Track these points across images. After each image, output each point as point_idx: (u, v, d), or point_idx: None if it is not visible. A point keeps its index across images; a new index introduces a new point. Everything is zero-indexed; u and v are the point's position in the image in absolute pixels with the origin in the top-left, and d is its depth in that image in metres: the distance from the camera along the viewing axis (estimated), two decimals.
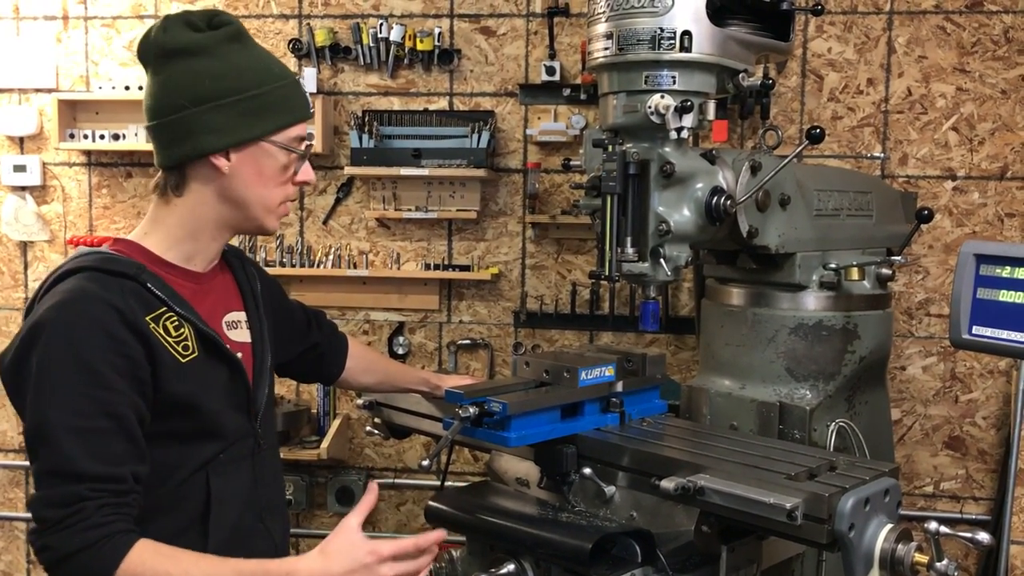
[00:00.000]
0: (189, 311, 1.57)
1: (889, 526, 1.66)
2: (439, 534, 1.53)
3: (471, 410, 1.89)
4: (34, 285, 3.90)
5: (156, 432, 1.50)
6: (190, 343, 1.55)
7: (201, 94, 1.54)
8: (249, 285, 1.78)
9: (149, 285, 1.52)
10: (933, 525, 1.61)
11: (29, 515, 1.44)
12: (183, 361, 1.53)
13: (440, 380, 2.23)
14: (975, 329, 1.94)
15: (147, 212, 1.65)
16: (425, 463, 1.85)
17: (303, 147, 1.65)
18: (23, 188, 3.86)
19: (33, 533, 1.42)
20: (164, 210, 1.62)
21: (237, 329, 1.71)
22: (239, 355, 1.66)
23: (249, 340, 1.73)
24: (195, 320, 1.57)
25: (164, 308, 1.53)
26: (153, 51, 1.57)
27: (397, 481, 3.80)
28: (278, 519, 1.76)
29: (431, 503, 2.04)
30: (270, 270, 3.68)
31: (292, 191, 1.66)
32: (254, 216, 1.63)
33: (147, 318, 1.50)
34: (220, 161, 1.56)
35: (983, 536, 1.61)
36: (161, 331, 1.51)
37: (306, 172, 1.67)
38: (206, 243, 1.65)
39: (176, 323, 1.54)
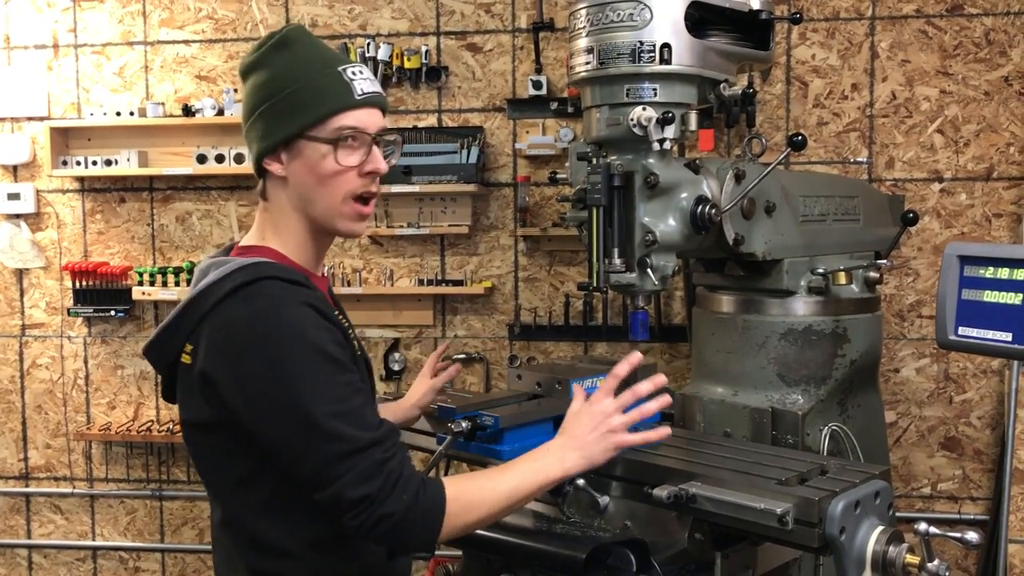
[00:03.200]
0: (346, 318, 1.66)
1: (880, 528, 1.67)
2: (634, 357, 1.74)
3: (463, 424, 1.91)
4: (31, 312, 3.95)
5: None
6: (356, 344, 1.64)
7: (253, 105, 1.59)
8: (334, 298, 1.82)
9: (316, 292, 1.58)
10: (923, 526, 1.62)
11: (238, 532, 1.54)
12: (357, 355, 1.61)
13: (420, 397, 2.20)
14: (961, 330, 1.95)
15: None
16: None
17: (356, 135, 1.57)
18: (18, 216, 3.89)
19: (359, 514, 1.45)
20: (262, 215, 1.66)
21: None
22: None
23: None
24: (351, 327, 1.66)
25: (336, 311, 1.62)
26: (240, 73, 1.66)
27: None
28: None
29: None
30: None
31: (357, 185, 1.60)
32: (321, 216, 1.61)
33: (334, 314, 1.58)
34: (274, 166, 1.58)
35: (972, 535, 1.62)
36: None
37: (373, 160, 1.60)
38: (314, 251, 1.66)
39: (346, 325, 1.63)
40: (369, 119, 1.60)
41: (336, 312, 1.62)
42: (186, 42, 3.80)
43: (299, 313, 1.48)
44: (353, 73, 1.60)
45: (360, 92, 1.59)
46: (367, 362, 1.70)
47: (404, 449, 1.53)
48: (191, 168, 3.70)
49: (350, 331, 1.64)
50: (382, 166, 1.62)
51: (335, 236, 1.68)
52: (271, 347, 1.45)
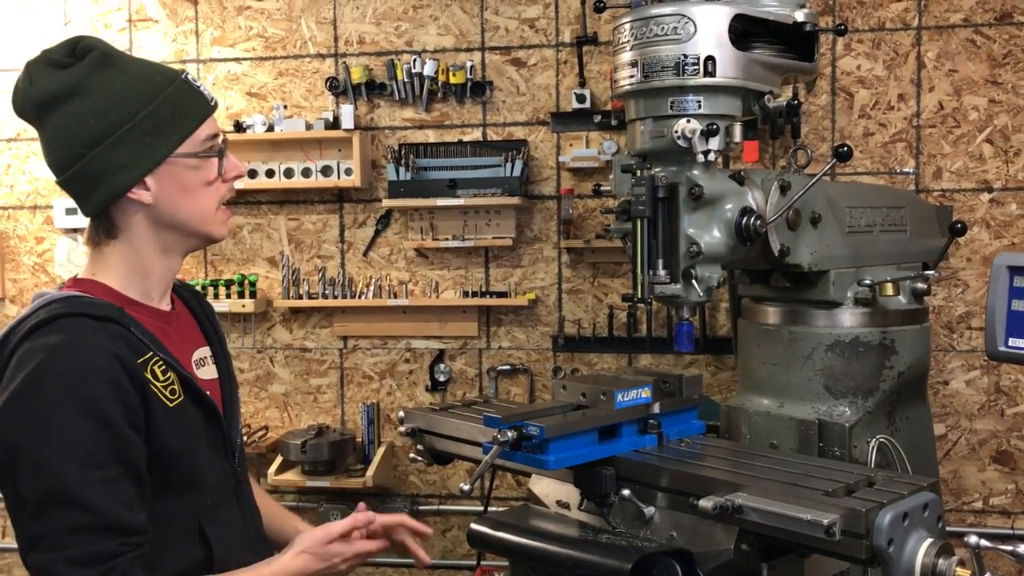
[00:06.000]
0: (169, 355, 1.50)
1: (929, 540, 1.66)
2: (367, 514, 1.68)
3: (509, 434, 1.92)
4: None
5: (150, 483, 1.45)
6: (176, 387, 1.49)
7: (93, 136, 1.44)
8: (208, 319, 1.73)
9: (132, 329, 1.45)
10: (973, 539, 1.61)
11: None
12: (171, 406, 1.46)
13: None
14: (1011, 341, 1.93)
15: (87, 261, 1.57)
16: (465, 487, 1.88)
17: (217, 144, 1.54)
18: (75, 231, 4.00)
19: None
20: (103, 257, 1.54)
21: (205, 366, 1.66)
22: (209, 393, 1.59)
23: (217, 376, 1.67)
24: (176, 364, 1.51)
25: (150, 352, 1.47)
26: (29, 106, 1.47)
27: (442, 507, 3.84)
28: (266, 545, 1.74)
29: (473, 527, 2.07)
30: (312, 303, 3.78)
31: (225, 191, 1.57)
32: (195, 231, 1.56)
33: (138, 362, 1.43)
34: (140, 194, 1.48)
35: None
36: (151, 376, 1.44)
37: (233, 166, 1.56)
38: (160, 274, 1.58)
39: (163, 367, 1.47)
40: (216, 124, 1.56)
41: (150, 355, 1.46)
42: (237, 60, 3.90)
43: (85, 362, 1.37)
44: (194, 79, 1.55)
45: (210, 98, 1.55)
46: (209, 404, 1.56)
47: (145, 548, 1.39)
48: (242, 183, 3.78)
49: (166, 373, 1.47)
50: (242, 168, 1.60)
51: (199, 248, 1.62)
52: (42, 396, 1.35)
